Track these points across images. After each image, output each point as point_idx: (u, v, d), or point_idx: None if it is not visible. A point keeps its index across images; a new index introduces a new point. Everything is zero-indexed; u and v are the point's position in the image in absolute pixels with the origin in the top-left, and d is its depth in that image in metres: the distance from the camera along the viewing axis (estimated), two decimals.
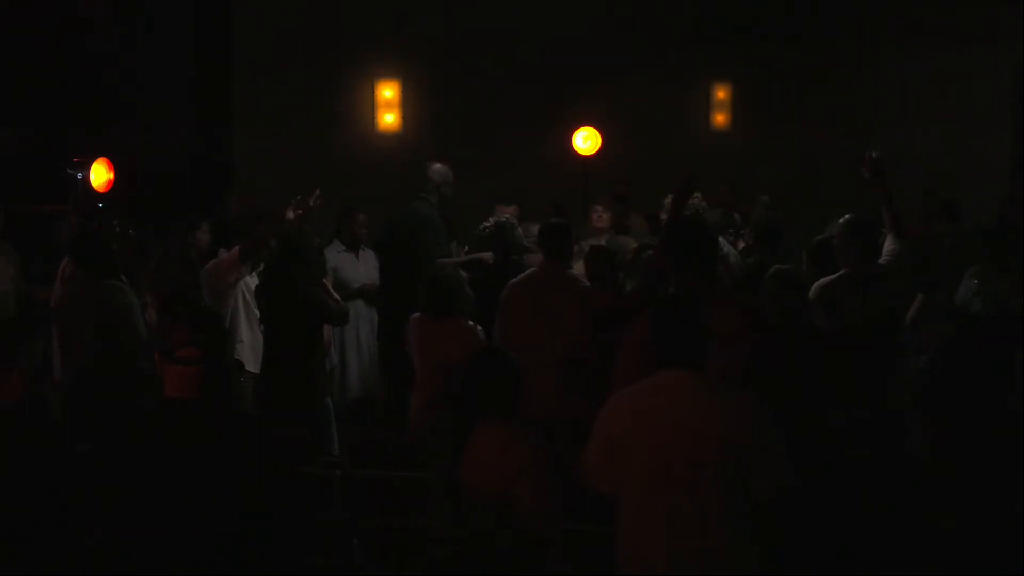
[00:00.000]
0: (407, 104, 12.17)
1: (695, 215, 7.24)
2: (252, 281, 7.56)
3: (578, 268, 7.32)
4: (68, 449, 4.22)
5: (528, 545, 4.33)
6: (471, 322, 6.79)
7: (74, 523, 4.04)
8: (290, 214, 7.43)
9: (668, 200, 8.31)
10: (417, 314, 6.99)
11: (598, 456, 4.27)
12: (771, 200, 10.43)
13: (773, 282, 6.14)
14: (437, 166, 8.47)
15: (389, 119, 12.16)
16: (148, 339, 7.36)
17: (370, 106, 12.14)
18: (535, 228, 7.64)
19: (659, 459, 4.09)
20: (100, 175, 8.00)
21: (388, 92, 12.11)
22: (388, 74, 12.11)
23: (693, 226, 5.75)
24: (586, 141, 8.98)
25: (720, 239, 7.47)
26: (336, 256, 8.81)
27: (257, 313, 7.49)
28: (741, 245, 8.71)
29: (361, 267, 8.91)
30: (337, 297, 7.59)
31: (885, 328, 6.31)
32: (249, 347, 7.42)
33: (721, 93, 13.21)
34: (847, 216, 6.50)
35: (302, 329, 7.09)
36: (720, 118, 13.25)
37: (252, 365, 7.42)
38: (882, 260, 6.45)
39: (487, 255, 7.84)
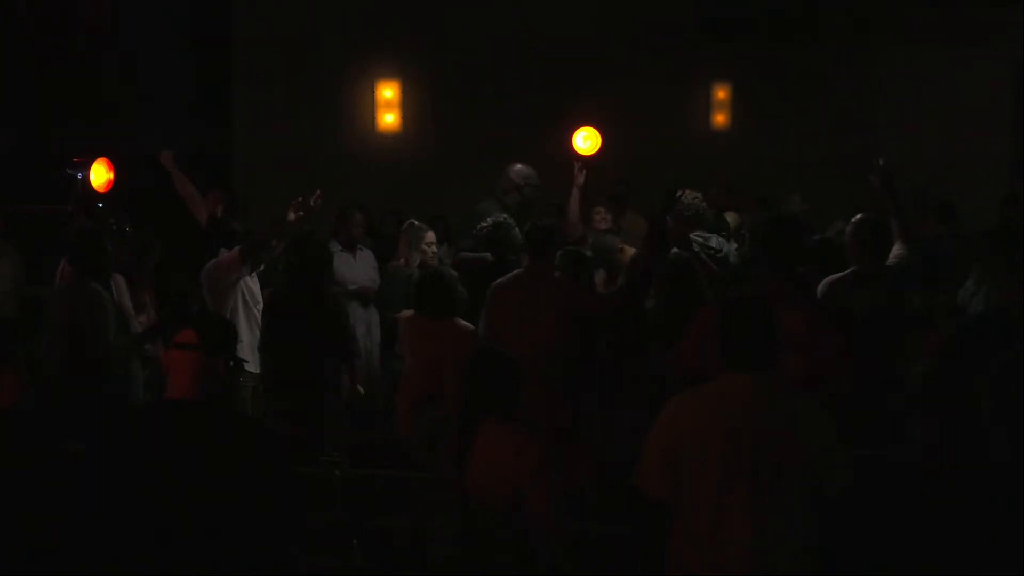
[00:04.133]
0: (407, 104, 12.17)
1: (695, 216, 7.23)
2: (252, 281, 7.57)
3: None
4: (56, 449, 4.22)
5: (532, 546, 4.36)
6: (465, 322, 6.80)
7: (71, 523, 4.03)
8: (291, 215, 7.44)
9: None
10: (410, 313, 6.98)
11: (659, 461, 4.17)
12: (801, 199, 10.47)
13: None
14: (518, 167, 8.42)
15: (389, 119, 12.16)
16: (141, 340, 7.42)
17: (370, 106, 12.15)
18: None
19: (737, 464, 4.03)
20: (100, 175, 7.99)
21: (388, 92, 12.11)
22: (388, 74, 12.11)
23: (777, 222, 5.75)
24: (586, 141, 8.95)
25: (719, 239, 7.48)
26: (333, 256, 8.81)
27: (257, 314, 7.48)
28: (734, 246, 8.70)
29: (358, 267, 8.91)
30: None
31: (891, 327, 6.35)
32: (249, 347, 7.40)
33: (721, 93, 13.22)
34: (859, 215, 6.55)
35: (321, 344, 6.96)
36: (720, 118, 13.26)
37: (252, 365, 7.42)
38: (890, 262, 6.51)
39: (487, 255, 7.84)
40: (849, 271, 6.45)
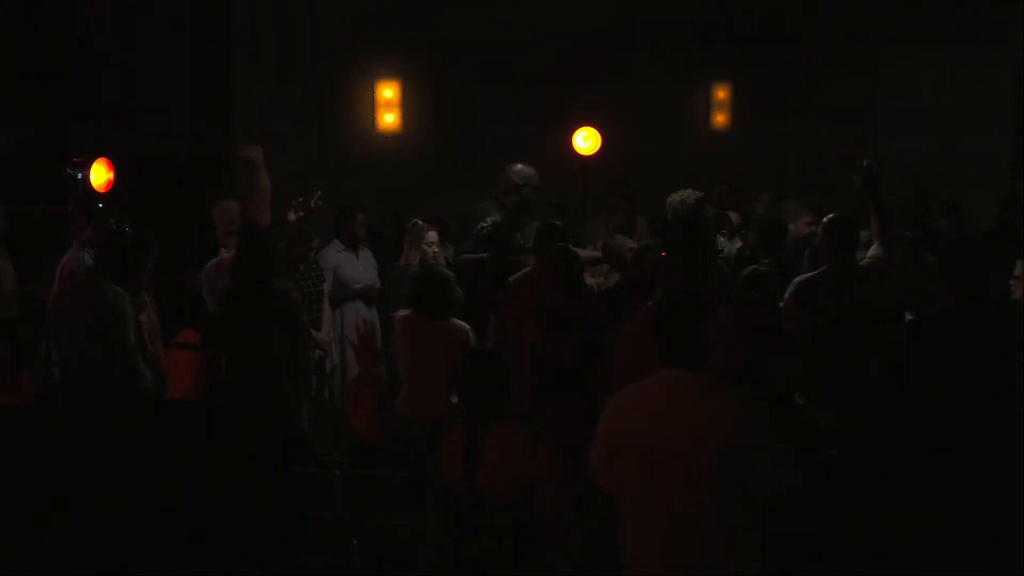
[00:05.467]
0: (407, 104, 12.16)
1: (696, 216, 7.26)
2: None
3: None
4: (65, 448, 4.23)
5: (545, 544, 4.39)
6: (461, 322, 6.81)
7: (74, 523, 4.04)
8: (291, 215, 7.44)
9: (671, 199, 8.33)
10: (405, 313, 6.98)
11: (600, 454, 4.29)
12: (773, 197, 10.43)
13: (745, 283, 6.18)
14: (519, 167, 8.44)
15: (389, 119, 12.16)
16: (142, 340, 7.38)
17: (370, 106, 12.14)
18: (534, 227, 7.66)
19: (658, 459, 4.08)
20: (100, 175, 7.98)
21: (388, 92, 12.11)
22: (388, 74, 12.11)
23: (685, 227, 5.81)
24: (586, 141, 8.99)
25: (721, 239, 7.50)
26: (335, 256, 8.82)
27: None
28: (738, 244, 8.72)
29: (361, 267, 8.92)
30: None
31: (860, 326, 6.37)
32: None
33: (721, 93, 13.23)
34: (830, 215, 6.60)
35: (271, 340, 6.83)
36: (720, 118, 13.27)
37: None
38: (864, 263, 6.54)
39: (486, 256, 7.85)
40: (820, 270, 6.50)
